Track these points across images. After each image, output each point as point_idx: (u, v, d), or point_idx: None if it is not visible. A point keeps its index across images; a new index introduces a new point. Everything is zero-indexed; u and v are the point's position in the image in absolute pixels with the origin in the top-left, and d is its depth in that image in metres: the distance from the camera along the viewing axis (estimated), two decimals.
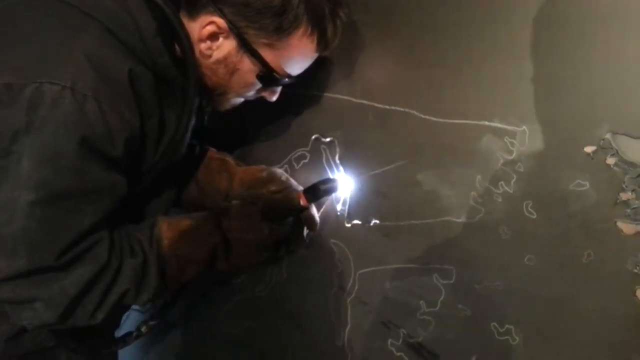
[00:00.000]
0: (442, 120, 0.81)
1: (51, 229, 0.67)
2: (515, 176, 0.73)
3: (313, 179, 0.92)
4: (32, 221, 0.65)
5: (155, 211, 0.87)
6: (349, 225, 0.92)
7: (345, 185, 0.92)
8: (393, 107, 0.87)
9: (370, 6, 0.91)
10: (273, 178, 0.95)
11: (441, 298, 0.80)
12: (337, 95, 0.95)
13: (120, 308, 0.85)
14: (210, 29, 0.75)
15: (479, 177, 0.77)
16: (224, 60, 0.79)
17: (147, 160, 0.78)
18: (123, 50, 0.70)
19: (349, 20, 0.86)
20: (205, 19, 0.75)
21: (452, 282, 0.79)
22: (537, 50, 0.72)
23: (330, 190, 0.90)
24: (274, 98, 0.89)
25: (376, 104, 0.89)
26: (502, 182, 0.74)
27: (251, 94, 0.87)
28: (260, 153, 1.06)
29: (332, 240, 0.95)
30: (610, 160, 0.65)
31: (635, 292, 0.63)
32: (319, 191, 0.89)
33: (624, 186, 0.64)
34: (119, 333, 0.98)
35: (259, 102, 0.90)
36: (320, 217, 0.94)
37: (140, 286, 0.76)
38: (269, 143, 1.05)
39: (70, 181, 0.66)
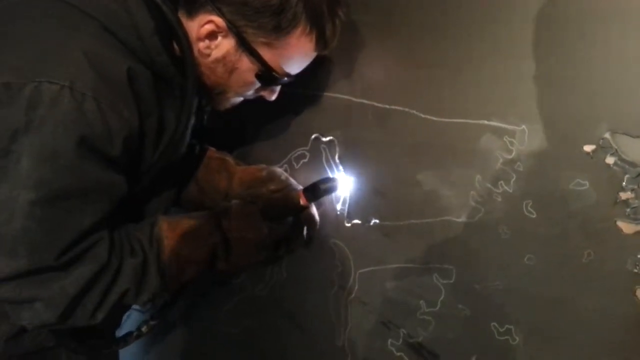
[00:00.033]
0: (442, 119, 0.81)
1: (51, 228, 0.67)
2: (514, 175, 0.73)
3: (313, 178, 0.92)
4: (31, 221, 0.65)
5: (155, 211, 0.87)
6: (348, 224, 0.92)
7: (345, 184, 0.92)
8: (393, 107, 0.87)
9: (370, 6, 0.91)
10: (273, 177, 0.95)
11: (441, 298, 0.80)
12: (337, 94, 0.95)
13: (121, 308, 0.85)
14: (208, 27, 0.75)
15: (478, 176, 0.76)
16: (222, 59, 0.78)
17: (147, 159, 0.78)
18: (121, 49, 0.70)
19: (349, 19, 0.86)
20: (203, 17, 0.75)
21: (452, 281, 0.79)
22: (537, 50, 0.71)
23: (330, 190, 0.90)
24: (273, 97, 0.89)
25: (376, 104, 0.89)
26: (502, 182, 0.74)
27: (250, 93, 0.87)
28: (260, 152, 1.06)
29: (332, 240, 0.95)
30: (610, 160, 0.65)
31: (635, 291, 0.63)
32: (318, 190, 0.89)
33: (623, 185, 0.64)
34: (119, 333, 0.98)
35: (259, 102, 0.90)
36: (320, 217, 0.94)
37: (141, 286, 0.76)
38: (269, 142, 1.05)
39: (70, 180, 0.66)
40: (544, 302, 0.70)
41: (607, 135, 0.65)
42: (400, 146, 0.86)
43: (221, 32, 0.76)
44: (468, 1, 0.79)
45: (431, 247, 0.81)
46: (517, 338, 0.73)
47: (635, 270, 0.63)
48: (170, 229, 0.80)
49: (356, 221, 0.91)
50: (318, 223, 0.94)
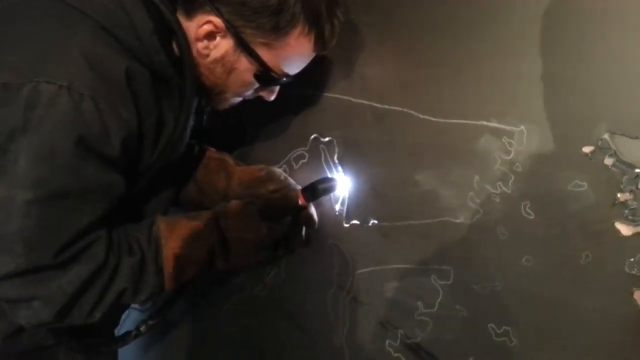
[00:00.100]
0: (440, 120, 0.81)
1: (48, 227, 0.67)
2: (513, 176, 0.73)
3: (312, 178, 0.92)
4: (29, 220, 0.65)
5: (153, 210, 0.88)
6: (347, 225, 0.92)
7: (343, 185, 0.92)
8: (392, 107, 0.87)
9: (370, 6, 0.91)
10: (272, 177, 0.95)
11: (439, 299, 0.80)
12: (336, 95, 0.95)
13: (119, 307, 0.85)
14: (207, 28, 0.75)
15: (477, 177, 0.76)
16: (221, 60, 0.79)
17: (145, 159, 0.79)
18: (120, 50, 0.71)
19: (348, 19, 0.86)
20: (202, 18, 0.75)
21: (450, 282, 0.79)
22: (536, 50, 0.71)
23: (328, 189, 0.90)
24: (272, 97, 0.89)
25: (375, 104, 0.89)
26: (500, 183, 0.74)
27: (249, 93, 0.87)
28: (260, 153, 1.07)
29: (330, 240, 0.95)
30: (609, 161, 0.64)
31: (633, 293, 0.63)
32: (317, 190, 0.90)
33: (622, 187, 0.63)
34: (118, 332, 0.98)
35: (258, 102, 0.90)
36: (319, 217, 0.94)
37: (138, 285, 0.77)
38: (268, 143, 1.05)
39: (67, 180, 0.66)
40: (542, 304, 0.70)
41: (605, 136, 0.65)
42: (399, 147, 0.86)
43: (220, 32, 0.76)
44: (468, 1, 0.79)
45: (429, 248, 0.81)
46: (515, 339, 0.72)
47: (633, 272, 0.63)
48: (168, 229, 0.80)
49: (355, 221, 0.91)
50: (317, 223, 0.94)
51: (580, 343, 0.67)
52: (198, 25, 0.76)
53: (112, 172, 0.72)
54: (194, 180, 0.99)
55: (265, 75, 0.81)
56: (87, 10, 0.70)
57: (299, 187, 0.93)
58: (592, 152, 0.66)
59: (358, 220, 0.91)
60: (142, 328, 0.95)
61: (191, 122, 0.90)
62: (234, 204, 0.87)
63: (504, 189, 0.74)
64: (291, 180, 0.95)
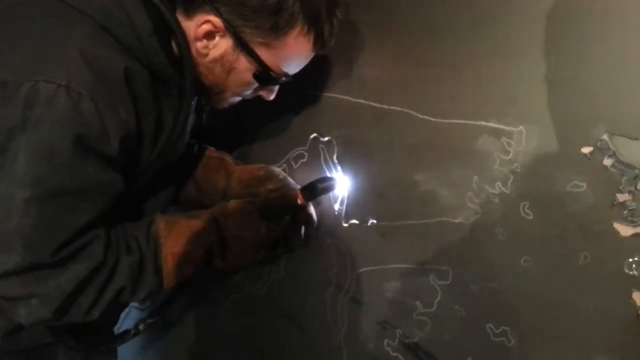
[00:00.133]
0: (440, 120, 0.81)
1: (47, 226, 0.67)
2: (512, 177, 0.73)
3: (311, 178, 0.92)
4: (28, 218, 0.65)
5: (153, 210, 0.88)
6: (346, 225, 0.92)
7: (343, 184, 0.92)
8: (391, 107, 0.87)
9: (370, 6, 0.91)
10: (271, 176, 0.95)
11: (437, 299, 0.80)
12: (335, 94, 0.95)
13: (118, 305, 0.86)
14: (206, 27, 0.75)
15: (476, 177, 0.76)
16: (220, 59, 0.79)
17: (144, 159, 0.79)
18: (119, 49, 0.71)
19: (348, 19, 0.86)
20: (201, 17, 0.75)
21: (448, 282, 0.79)
22: (536, 50, 0.71)
23: (327, 189, 0.90)
24: (272, 97, 0.89)
25: (374, 104, 0.89)
26: (499, 183, 0.74)
27: (248, 92, 0.87)
28: (259, 152, 1.07)
29: (329, 240, 0.95)
30: (607, 162, 0.64)
31: (631, 294, 0.63)
32: (316, 189, 0.89)
33: (621, 187, 0.63)
34: (117, 330, 0.98)
35: (257, 102, 0.90)
36: (318, 216, 0.94)
37: (137, 284, 0.77)
38: (268, 142, 1.05)
39: (66, 179, 0.67)
40: (540, 304, 0.70)
41: (604, 136, 0.64)
42: (398, 146, 0.86)
43: (219, 32, 0.76)
44: (468, 1, 0.79)
45: (428, 247, 0.81)
46: (513, 339, 0.72)
47: (632, 273, 0.63)
48: (167, 228, 0.80)
49: (354, 221, 0.91)
50: (316, 222, 0.94)
51: (579, 343, 0.67)
52: (197, 25, 0.76)
53: (111, 171, 0.72)
54: (193, 180, 0.99)
55: (265, 74, 0.81)
56: (87, 10, 0.70)
57: (298, 187, 0.93)
58: (591, 153, 0.66)
59: (357, 219, 0.91)
60: (141, 327, 0.96)
61: (190, 122, 0.90)
62: (233, 203, 0.87)
63: (503, 189, 0.73)
64: (290, 180, 0.95)
